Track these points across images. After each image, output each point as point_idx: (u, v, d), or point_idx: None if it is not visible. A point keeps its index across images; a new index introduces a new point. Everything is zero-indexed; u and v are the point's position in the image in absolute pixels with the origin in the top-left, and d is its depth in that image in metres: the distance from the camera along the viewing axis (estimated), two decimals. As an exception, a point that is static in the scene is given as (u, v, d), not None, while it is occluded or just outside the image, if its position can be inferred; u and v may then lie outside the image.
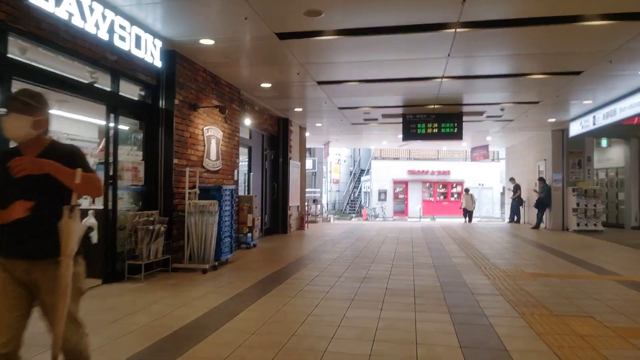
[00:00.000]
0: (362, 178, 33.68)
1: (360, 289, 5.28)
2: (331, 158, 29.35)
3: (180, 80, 6.75)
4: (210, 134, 7.57)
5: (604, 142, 15.11)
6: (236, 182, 8.76)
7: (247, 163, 10.68)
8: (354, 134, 15.74)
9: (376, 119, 12.16)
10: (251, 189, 10.57)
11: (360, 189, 33.77)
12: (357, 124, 13.12)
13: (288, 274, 6.30)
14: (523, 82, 8.17)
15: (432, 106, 10.44)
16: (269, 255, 8.31)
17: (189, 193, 6.70)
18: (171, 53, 6.52)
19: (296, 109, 11.19)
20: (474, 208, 19.47)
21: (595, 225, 13.28)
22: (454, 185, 29.18)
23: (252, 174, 10.71)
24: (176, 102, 6.63)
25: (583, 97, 9.30)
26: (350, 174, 35.21)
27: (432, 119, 11.08)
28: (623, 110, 9.02)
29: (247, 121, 9.82)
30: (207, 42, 6.19)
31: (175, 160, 6.62)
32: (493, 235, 12.23)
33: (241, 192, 9.95)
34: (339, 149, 30.89)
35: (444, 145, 21.55)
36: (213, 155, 7.68)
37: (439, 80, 8.03)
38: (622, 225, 14.31)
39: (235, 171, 8.69)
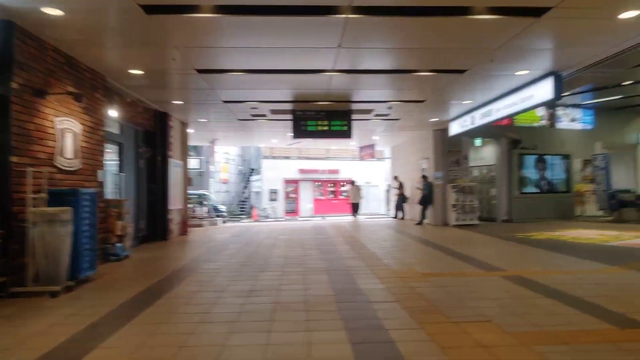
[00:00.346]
0: (252, 178, 32.84)
1: (246, 306, 4.60)
2: (219, 157, 28.09)
3: (21, 59, 5.45)
4: (64, 127, 6.31)
5: (478, 142, 16.19)
6: (101, 184, 7.51)
7: (117, 162, 9.35)
8: (243, 131, 14.93)
9: (264, 115, 11.53)
10: (122, 191, 9.28)
11: (251, 189, 32.89)
12: (245, 120, 12.35)
13: (161, 291, 5.39)
14: (410, 79, 8.13)
15: (323, 103, 10.11)
16: (142, 268, 7.24)
17: (34, 198, 5.45)
18: (7, 24, 5.21)
19: (175, 102, 10.10)
20: (361, 200, 19.76)
21: (471, 219, 14.12)
22: (343, 184, 29.69)
23: (123, 174, 9.41)
24: (14, 85, 5.33)
25: (464, 96, 9.63)
26: (240, 174, 34.15)
27: (323, 117, 10.77)
28: (498, 110, 9.50)
29: (116, 113, 8.54)
30: (53, 12, 5.02)
31: (14, 158, 5.32)
32: (381, 233, 12.32)
33: (111, 196, 8.65)
34: (227, 148, 29.70)
35: (334, 144, 21.64)
36: (69, 153, 6.42)
37: (330, 74, 7.65)
38: (494, 219, 15.43)
39: (100, 171, 7.44)
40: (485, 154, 16.53)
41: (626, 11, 5.04)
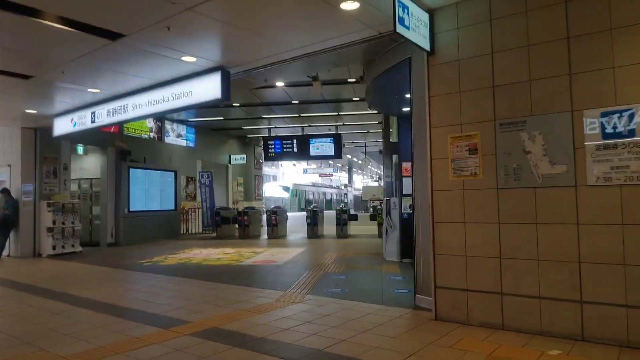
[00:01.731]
0: None
1: None
2: None
3: None
4: None
5: (80, 149, 13.22)
6: None
7: None
8: None
9: None
10: None
11: None
12: None
13: None
14: (25, 28, 5.06)
15: None
16: None
17: None
18: None
19: None
20: None
21: (73, 246, 11.15)
22: None
23: None
24: None
25: (97, 79, 6.99)
26: None
27: None
28: (139, 107, 7.45)
29: None
30: None
31: None
32: None
33: None
34: None
35: None
36: None
37: None
38: (97, 243, 12.83)
39: None
40: (88, 165, 13.72)
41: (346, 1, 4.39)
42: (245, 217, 14.77)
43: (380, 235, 14.27)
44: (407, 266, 7.82)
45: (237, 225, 14.84)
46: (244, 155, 19.77)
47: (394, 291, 5.84)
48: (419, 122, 4.93)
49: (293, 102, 13.35)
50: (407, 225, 8.62)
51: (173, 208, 15.40)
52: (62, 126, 9.31)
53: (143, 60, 5.97)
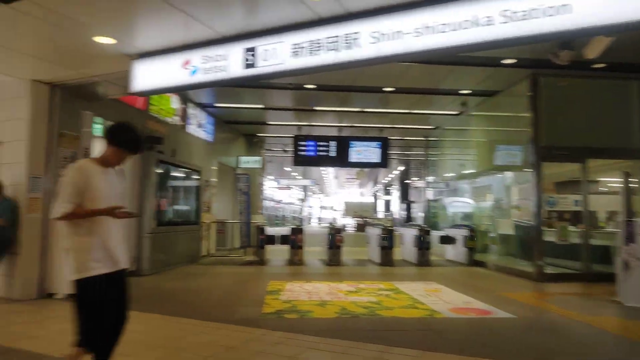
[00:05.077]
0: None
1: None
2: None
3: None
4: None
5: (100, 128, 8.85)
6: None
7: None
8: None
9: None
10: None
11: None
12: None
13: None
14: None
15: None
16: None
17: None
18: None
19: None
20: None
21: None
22: None
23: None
24: None
25: None
26: None
27: None
28: (390, 36, 3.96)
29: None
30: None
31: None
32: None
33: None
34: None
35: None
36: None
37: None
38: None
39: None
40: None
41: None
42: (299, 236, 11.19)
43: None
44: None
45: (289, 247, 11.18)
46: (259, 158, 15.98)
47: None
48: None
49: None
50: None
51: (194, 221, 11.32)
52: (158, 74, 5.27)
53: None
